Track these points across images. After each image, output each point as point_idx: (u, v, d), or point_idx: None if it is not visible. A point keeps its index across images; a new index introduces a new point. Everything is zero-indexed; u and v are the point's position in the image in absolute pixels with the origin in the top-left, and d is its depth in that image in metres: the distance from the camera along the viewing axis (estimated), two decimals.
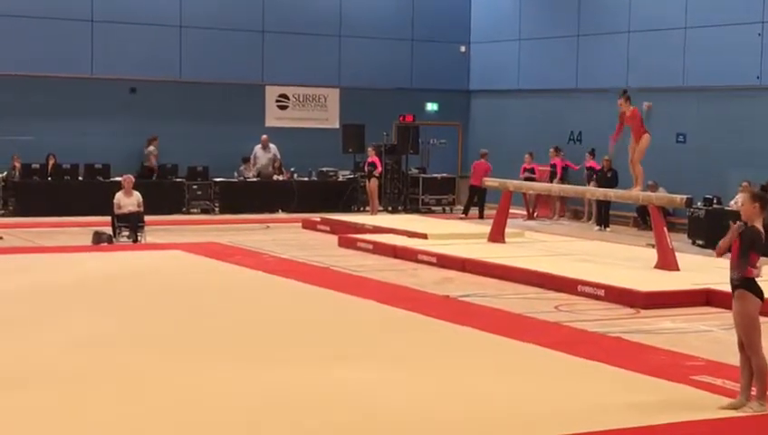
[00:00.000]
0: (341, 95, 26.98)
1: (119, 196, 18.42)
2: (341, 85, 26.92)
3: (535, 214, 24.77)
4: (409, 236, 18.18)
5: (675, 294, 13.01)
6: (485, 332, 10.92)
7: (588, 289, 13.31)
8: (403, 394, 8.33)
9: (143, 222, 18.37)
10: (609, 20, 24.39)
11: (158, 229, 19.57)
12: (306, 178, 25.59)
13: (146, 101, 24.72)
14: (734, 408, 7.89)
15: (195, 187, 24.27)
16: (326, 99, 26.98)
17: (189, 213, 23.92)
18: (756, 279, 7.92)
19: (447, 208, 26.17)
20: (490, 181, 20.21)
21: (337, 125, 26.60)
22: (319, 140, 26.10)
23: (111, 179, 22.14)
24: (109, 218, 18.60)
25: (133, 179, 19.05)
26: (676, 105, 22.48)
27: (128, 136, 24.22)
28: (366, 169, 24.16)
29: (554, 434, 7.33)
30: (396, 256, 16.81)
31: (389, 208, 25.41)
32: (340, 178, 25.57)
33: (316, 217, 21.87)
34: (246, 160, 25.28)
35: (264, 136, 25.43)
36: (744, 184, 18.76)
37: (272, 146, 25.44)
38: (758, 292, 7.91)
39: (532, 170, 24.65)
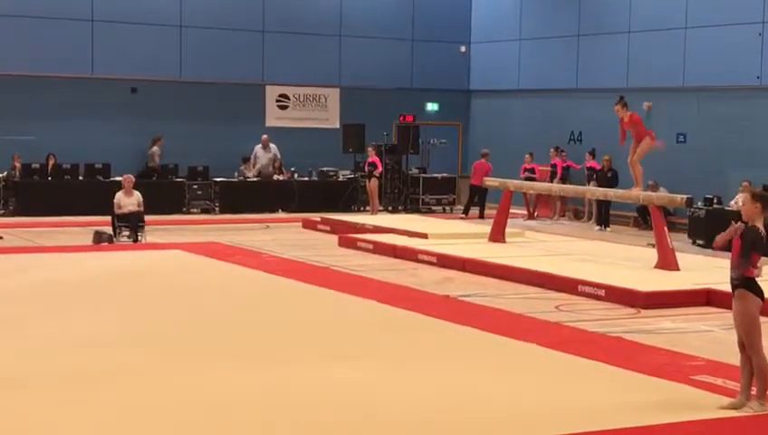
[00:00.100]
0: (342, 95, 26.98)
1: (119, 195, 18.42)
2: (342, 85, 26.92)
3: (536, 214, 24.77)
4: (410, 236, 18.18)
5: (675, 294, 13.01)
6: (486, 332, 10.92)
7: (588, 289, 13.31)
8: (403, 394, 8.33)
9: (143, 222, 18.37)
10: (609, 20, 24.39)
11: (158, 229, 19.58)
12: (306, 178, 25.59)
13: (146, 101, 24.72)
14: (735, 408, 7.89)
15: (195, 186, 24.27)
16: (326, 99, 26.99)
17: (189, 213, 23.92)
18: (756, 279, 7.92)
19: (448, 208, 26.17)
20: (490, 181, 20.22)
21: (337, 125, 26.61)
22: (319, 140, 26.10)
23: (112, 179, 22.15)
24: (109, 218, 18.61)
25: (133, 179, 19.05)
26: (677, 105, 22.48)
27: (128, 136, 24.23)
28: (366, 168, 24.17)
29: (554, 434, 7.33)
30: (396, 256, 16.81)
31: (390, 208, 25.41)
32: (341, 178, 25.57)
33: (316, 216, 21.87)
34: (247, 160, 25.28)
35: (265, 136, 25.44)
36: (745, 184, 18.77)
37: (272, 146, 25.44)
38: (758, 292, 7.91)
39: (532, 170, 24.66)
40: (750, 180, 18.79)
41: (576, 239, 19.41)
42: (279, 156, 25.45)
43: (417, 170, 26.57)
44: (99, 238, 17.97)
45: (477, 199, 24.58)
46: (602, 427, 7.44)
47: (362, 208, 24.82)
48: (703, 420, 7.67)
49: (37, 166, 22.83)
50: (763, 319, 8.07)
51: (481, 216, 24.01)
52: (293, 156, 25.43)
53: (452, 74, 28.15)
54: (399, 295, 13.10)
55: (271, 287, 14.00)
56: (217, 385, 8.48)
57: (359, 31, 27.01)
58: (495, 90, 27.58)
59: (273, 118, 26.41)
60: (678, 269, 14.60)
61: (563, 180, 23.88)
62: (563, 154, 24.48)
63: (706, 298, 12.83)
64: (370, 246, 17.59)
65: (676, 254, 15.01)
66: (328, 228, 20.55)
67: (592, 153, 23.63)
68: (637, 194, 16.01)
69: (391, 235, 18.42)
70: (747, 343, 7.93)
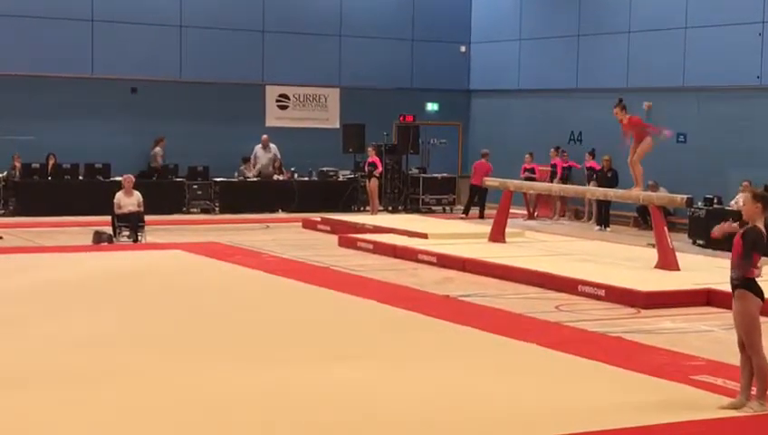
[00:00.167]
0: (342, 95, 26.98)
1: (119, 195, 18.42)
2: (342, 85, 26.92)
3: (536, 214, 24.77)
4: (410, 236, 18.18)
5: (675, 294, 13.01)
6: (486, 332, 10.92)
7: (588, 289, 13.31)
8: (403, 394, 8.33)
9: (143, 222, 18.37)
10: (609, 20, 24.39)
11: (158, 229, 19.58)
12: (306, 178, 25.59)
13: (146, 101, 24.73)
14: (735, 407, 7.89)
15: (195, 186, 24.27)
16: (326, 99, 26.99)
17: (189, 213, 23.92)
18: (756, 279, 7.92)
19: (448, 208, 26.17)
20: (490, 181, 20.22)
21: (337, 125, 26.61)
22: (319, 140, 26.10)
23: (111, 179, 22.15)
24: (109, 218, 18.61)
25: (133, 179, 19.05)
26: (677, 105, 22.46)
27: (128, 136, 24.23)
28: (366, 168, 24.16)
29: (554, 434, 7.33)
30: (396, 256, 16.81)
31: (390, 208, 25.41)
32: (341, 178, 25.57)
33: (316, 216, 21.87)
34: (247, 160, 25.28)
35: (265, 136, 25.44)
36: (745, 184, 18.78)
37: (272, 146, 25.44)
38: (758, 292, 7.90)
39: (532, 170, 24.66)
40: (750, 180, 18.79)
41: (576, 239, 19.41)
42: (279, 156, 25.45)
43: (417, 170, 26.57)
44: (99, 238, 17.97)
45: (477, 199, 24.57)
46: (602, 427, 7.44)
47: (362, 208, 24.82)
48: (703, 420, 7.67)
49: (37, 166, 22.83)
50: (763, 319, 8.07)
51: (481, 216, 24.01)
52: (293, 156, 25.43)
53: (452, 74, 28.15)
54: (399, 295, 13.10)
55: (271, 287, 14.00)
56: (217, 385, 8.47)
57: (359, 31, 27.01)
58: (495, 90, 27.58)
59: (273, 118, 26.41)
60: (678, 269, 14.60)
61: (565, 180, 23.89)
62: (565, 154, 24.48)
63: (707, 298, 12.82)
64: (370, 246, 17.59)
65: (677, 254, 15.01)
66: (328, 228, 20.55)
67: (592, 153, 23.63)
68: (637, 194, 16.01)
69: (391, 235, 18.42)
70: (747, 343, 7.92)
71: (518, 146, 25.46)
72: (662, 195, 17.93)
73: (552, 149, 24.56)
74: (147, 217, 18.58)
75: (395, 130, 26.94)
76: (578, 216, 24.64)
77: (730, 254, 8.07)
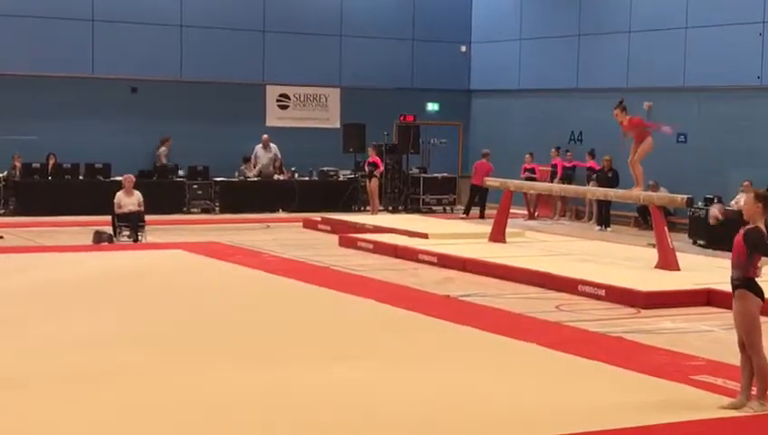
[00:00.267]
0: (342, 95, 26.99)
1: (119, 195, 18.42)
2: (342, 85, 26.93)
3: (536, 214, 24.77)
4: (410, 236, 18.18)
5: (675, 293, 13.01)
6: (486, 331, 10.92)
7: (588, 289, 13.31)
8: (403, 394, 8.32)
9: (144, 221, 18.38)
10: (609, 20, 24.39)
11: (158, 229, 19.58)
12: (307, 178, 25.60)
13: (147, 101, 24.73)
14: (735, 408, 7.89)
15: (195, 186, 24.28)
16: (327, 98, 26.99)
17: (190, 212, 23.92)
18: (756, 279, 7.92)
19: (448, 208, 26.17)
20: (491, 181, 20.22)
21: (338, 125, 26.61)
22: (319, 140, 26.10)
23: (112, 179, 22.16)
24: (109, 218, 18.61)
25: (134, 179, 19.06)
26: (677, 105, 22.46)
27: (129, 136, 24.23)
28: (366, 168, 24.16)
29: (554, 434, 7.32)
30: (396, 256, 16.81)
31: (390, 208, 25.41)
32: (341, 178, 25.57)
33: (317, 216, 21.87)
34: (247, 160, 25.29)
35: (265, 135, 25.44)
36: (746, 183, 18.79)
37: (272, 145, 25.44)
38: (759, 292, 7.90)
39: (532, 170, 24.66)
40: (751, 180, 18.79)
41: (576, 239, 19.41)
42: (279, 156, 25.45)
43: (417, 170, 26.58)
44: (99, 238, 17.97)
45: (478, 199, 24.57)
46: (602, 427, 7.44)
47: (363, 208, 24.82)
48: (703, 420, 7.67)
49: (37, 166, 22.84)
50: (763, 319, 8.06)
51: (481, 216, 24.01)
52: (294, 156, 25.44)
53: (452, 74, 28.15)
54: (400, 295, 13.10)
55: (271, 287, 14.00)
56: (217, 385, 8.47)
57: (359, 31, 27.01)
58: (496, 90, 27.58)
59: (274, 118, 26.41)
60: (679, 269, 14.60)
61: (568, 180, 23.88)
62: (568, 154, 24.47)
63: (707, 298, 12.82)
64: (371, 246, 17.59)
65: (677, 254, 15.01)
66: (328, 228, 20.55)
67: (591, 153, 23.63)
68: (637, 194, 16.00)
69: (392, 235, 18.42)
70: (747, 343, 7.92)
71: (518, 146, 25.46)
72: (662, 195, 17.92)
73: (553, 149, 24.56)
74: (147, 217, 18.58)
75: (395, 130, 26.94)
76: (578, 216, 24.64)
77: (730, 254, 8.07)
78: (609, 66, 24.16)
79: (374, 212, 23.61)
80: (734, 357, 8.36)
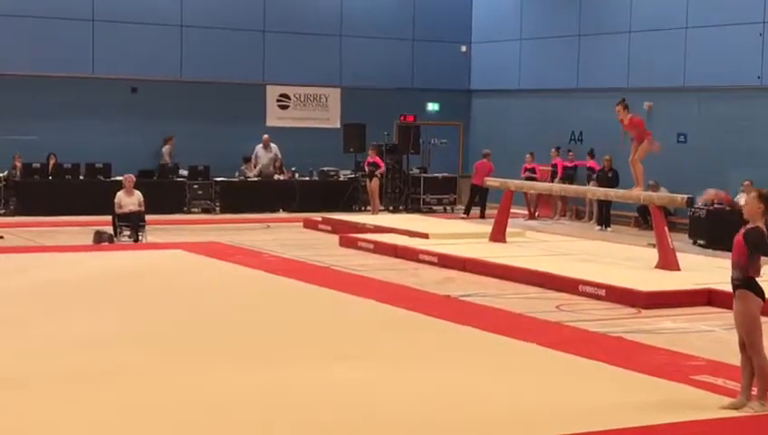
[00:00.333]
0: (342, 95, 26.99)
1: (119, 195, 18.42)
2: (342, 85, 26.92)
3: (536, 214, 24.77)
4: (410, 236, 18.18)
5: (676, 293, 13.01)
6: (486, 331, 10.92)
7: (589, 289, 13.31)
8: (403, 394, 8.32)
9: (144, 221, 18.38)
10: (609, 20, 24.39)
11: (158, 229, 19.58)
12: (307, 178, 25.59)
13: (147, 101, 24.73)
14: (735, 408, 7.88)
15: (196, 186, 24.27)
16: (327, 98, 26.99)
17: (190, 212, 23.91)
18: (757, 279, 7.91)
19: (449, 208, 26.16)
20: (491, 181, 20.22)
21: (338, 125, 26.61)
22: (320, 140, 26.10)
23: (112, 179, 22.15)
24: (110, 218, 18.61)
25: (134, 179, 19.05)
26: (677, 105, 22.47)
27: (129, 136, 24.23)
28: (367, 168, 24.16)
29: (554, 434, 7.32)
30: (397, 256, 16.81)
31: (390, 208, 25.41)
32: (341, 178, 25.57)
33: (317, 216, 21.87)
34: (247, 160, 25.29)
35: (266, 135, 25.44)
36: (746, 183, 18.78)
37: (273, 145, 25.44)
38: (759, 292, 7.89)
39: (533, 170, 24.66)
40: (751, 180, 18.79)
41: (577, 239, 19.41)
42: (280, 156, 25.45)
43: (417, 170, 26.57)
44: (99, 238, 17.97)
45: (478, 199, 24.58)
46: (602, 427, 7.44)
47: (363, 208, 24.83)
48: (703, 420, 7.66)
49: (38, 165, 22.84)
50: (763, 319, 8.06)
51: (482, 216, 24.01)
52: (294, 156, 25.43)
53: (452, 74, 28.15)
54: (400, 295, 13.09)
55: (271, 287, 14.00)
56: (217, 385, 8.47)
57: (359, 31, 27.01)
58: (496, 90, 27.58)
59: (274, 118, 26.41)
60: (679, 269, 14.59)
61: (569, 180, 23.87)
62: (570, 154, 24.46)
63: (707, 298, 12.82)
64: (371, 246, 17.58)
65: (677, 254, 15.00)
66: (329, 228, 20.55)
67: (591, 153, 23.63)
68: (637, 194, 16.00)
69: (392, 235, 18.42)
70: (748, 343, 7.92)
71: (518, 146, 25.46)
72: (663, 195, 17.92)
73: (554, 149, 24.56)
74: (147, 217, 18.58)
75: (395, 130, 26.94)
76: (579, 216, 24.63)
77: (730, 254, 8.06)
78: (609, 66, 24.16)
79: (374, 212, 23.61)
80: (734, 357, 8.36)
